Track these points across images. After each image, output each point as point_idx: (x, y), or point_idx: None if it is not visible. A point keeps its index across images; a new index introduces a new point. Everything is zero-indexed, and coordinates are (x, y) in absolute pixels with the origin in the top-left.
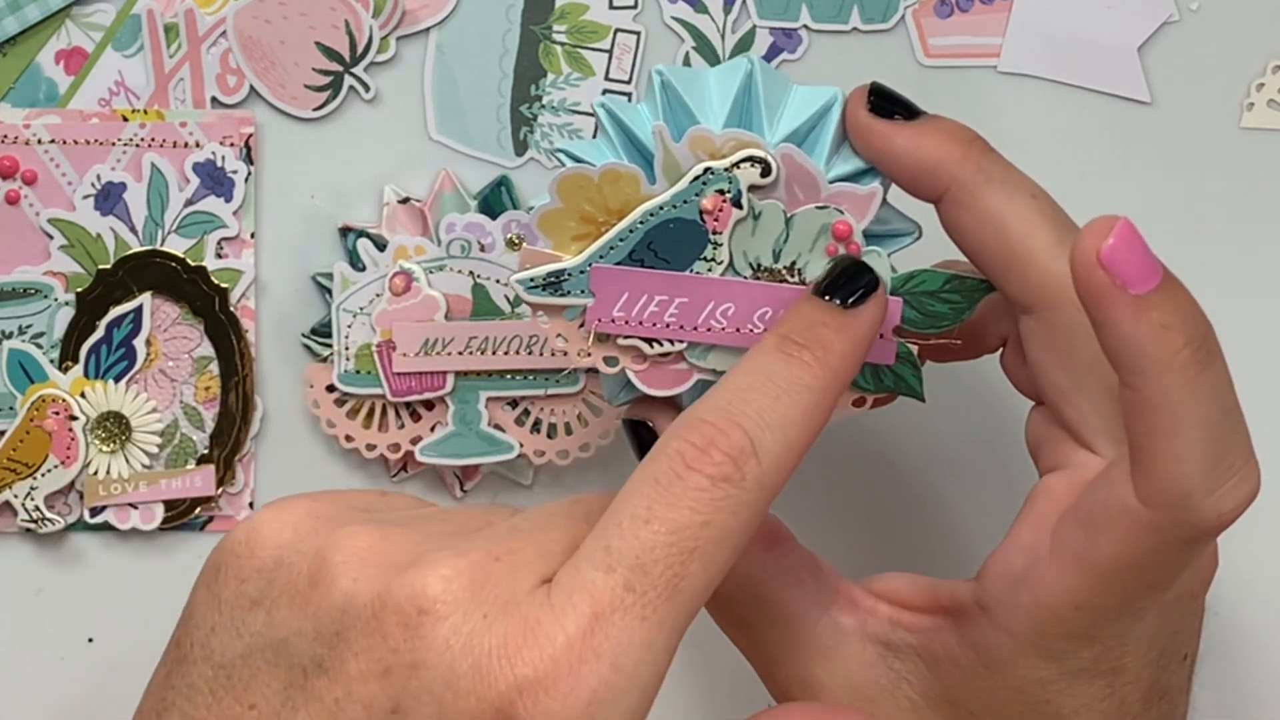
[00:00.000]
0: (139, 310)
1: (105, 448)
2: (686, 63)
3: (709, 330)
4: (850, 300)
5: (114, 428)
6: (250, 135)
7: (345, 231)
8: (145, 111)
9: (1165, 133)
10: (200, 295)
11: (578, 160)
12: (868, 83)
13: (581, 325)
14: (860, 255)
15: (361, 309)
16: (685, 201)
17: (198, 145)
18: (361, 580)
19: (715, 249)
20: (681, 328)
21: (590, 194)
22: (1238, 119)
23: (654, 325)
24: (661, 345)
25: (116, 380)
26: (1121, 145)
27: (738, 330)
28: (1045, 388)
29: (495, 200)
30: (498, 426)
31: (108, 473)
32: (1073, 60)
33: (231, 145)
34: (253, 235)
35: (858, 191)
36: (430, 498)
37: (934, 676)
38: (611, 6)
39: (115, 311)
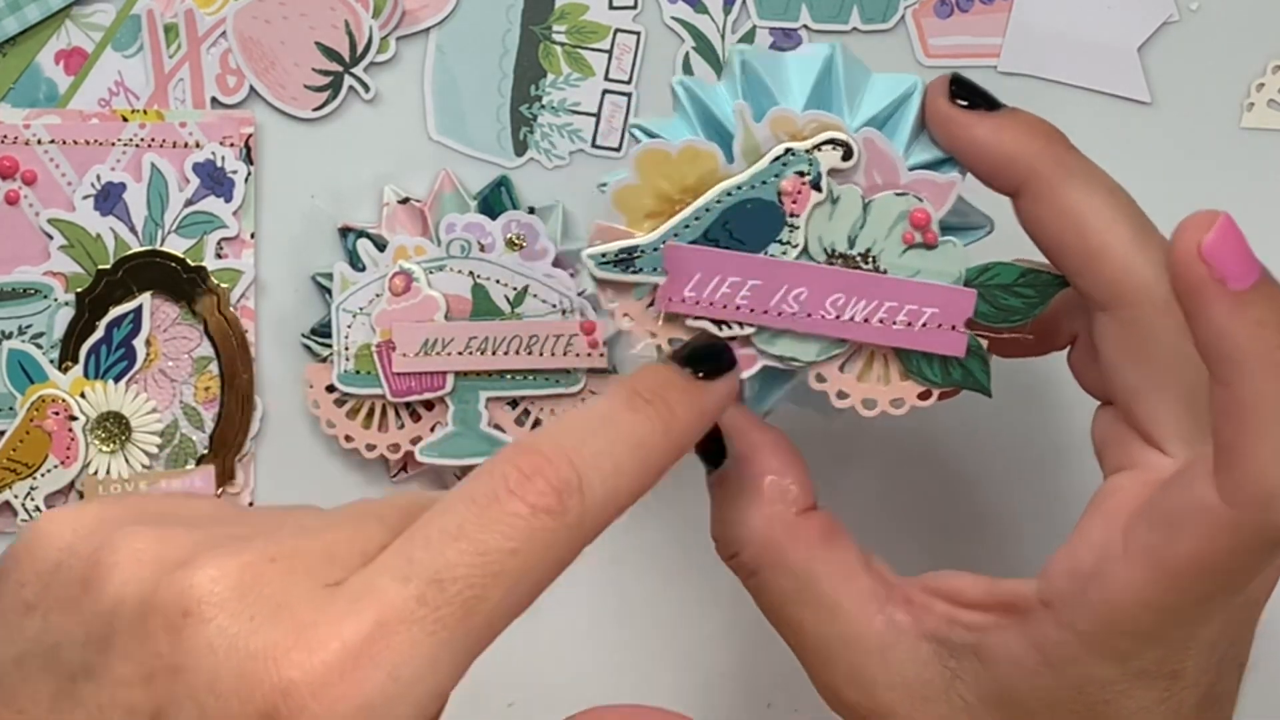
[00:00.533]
0: (139, 310)
1: (105, 448)
2: (686, 64)
3: (780, 315)
4: (704, 374)
5: (114, 428)
6: (250, 135)
7: (345, 231)
8: (145, 112)
9: (1165, 133)
10: (200, 295)
11: (654, 136)
12: (949, 72)
13: (650, 305)
14: (937, 244)
15: (361, 309)
16: (764, 182)
17: (198, 145)
18: (131, 582)
19: (791, 232)
20: (753, 310)
21: (668, 170)
22: (1238, 119)
23: (725, 307)
24: (731, 328)
25: (116, 380)
26: (1121, 145)
27: (809, 315)
28: (1117, 387)
29: (495, 200)
30: (498, 426)
31: (108, 473)
32: (1073, 60)
33: (231, 145)
34: (253, 235)
35: (937, 180)
36: None
37: (990, 676)
38: (611, 6)
39: (115, 311)
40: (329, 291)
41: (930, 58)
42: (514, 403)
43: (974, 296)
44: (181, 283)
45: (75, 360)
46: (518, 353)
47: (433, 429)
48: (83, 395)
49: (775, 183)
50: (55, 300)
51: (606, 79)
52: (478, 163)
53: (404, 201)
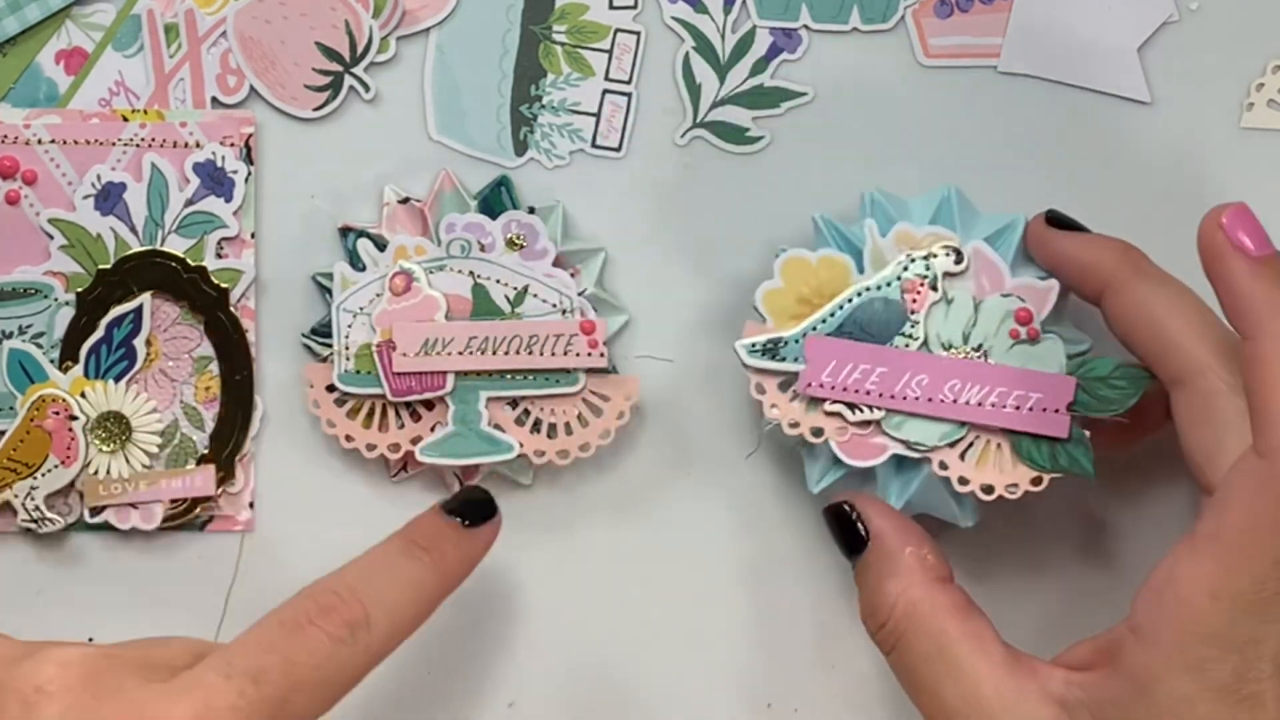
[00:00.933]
0: (139, 310)
1: (105, 448)
2: (686, 64)
3: (905, 399)
4: (473, 523)
5: (114, 428)
6: (250, 135)
7: (345, 231)
8: (145, 111)
9: (1165, 133)
10: (200, 295)
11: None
12: (1045, 211)
13: (794, 397)
14: (1039, 339)
15: (361, 309)
16: (889, 284)
17: (198, 145)
18: None
19: (913, 327)
20: (881, 395)
21: (808, 276)
22: (1238, 119)
23: (857, 391)
24: (862, 412)
25: (117, 380)
26: (1121, 145)
27: (930, 400)
28: (1191, 452)
29: (495, 200)
30: (498, 426)
31: (108, 473)
32: (1073, 60)
33: (232, 145)
34: (253, 235)
35: (1037, 285)
36: (430, 498)
37: None
38: (611, 6)
39: (115, 311)
40: (329, 291)
41: (930, 58)
42: (514, 402)
43: (1074, 383)
44: (182, 283)
45: (76, 360)
46: (518, 352)
47: (433, 429)
48: (83, 395)
49: (899, 284)
50: (56, 300)
51: (607, 79)
52: (478, 163)
53: (404, 201)
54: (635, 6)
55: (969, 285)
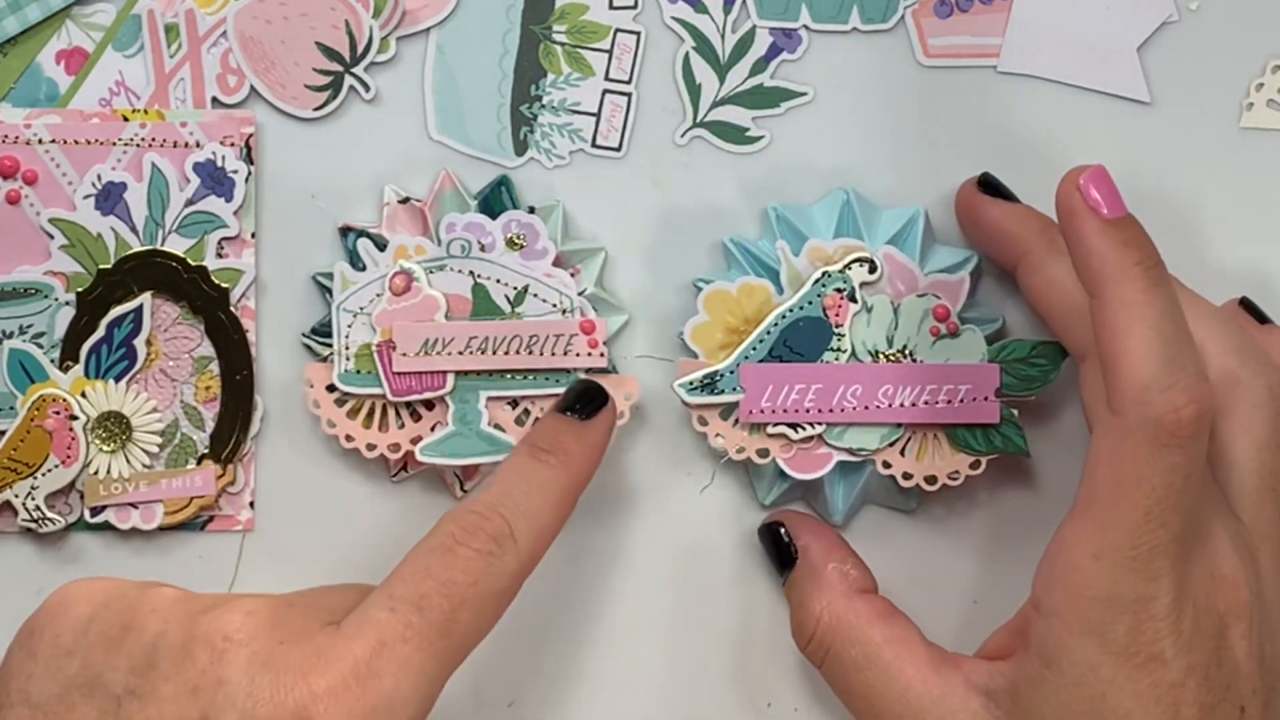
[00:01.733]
0: (139, 310)
1: (106, 447)
2: (686, 64)
3: (843, 410)
4: (587, 414)
5: (114, 427)
6: (250, 135)
7: (345, 231)
8: (146, 111)
9: (1165, 133)
10: (201, 295)
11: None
12: (981, 172)
13: (736, 422)
14: (959, 333)
15: (362, 309)
16: (810, 302)
17: (198, 145)
18: (171, 622)
19: (840, 340)
20: (819, 410)
21: (731, 306)
22: (1237, 119)
23: (797, 411)
24: (805, 429)
25: (117, 380)
26: (1121, 145)
27: (866, 407)
28: (1092, 424)
29: (495, 200)
30: (498, 426)
31: (108, 472)
32: (1073, 60)
33: (232, 145)
34: (253, 235)
35: (950, 280)
36: (430, 498)
37: (1020, 709)
38: (611, 6)
39: (116, 311)
40: (329, 291)
41: (930, 58)
42: (514, 402)
43: (998, 370)
44: (182, 282)
45: (76, 360)
46: (518, 352)
47: (433, 429)
48: (83, 395)
49: (819, 301)
50: (56, 300)
51: (607, 79)
52: (478, 162)
53: (404, 201)
54: (635, 6)
55: (885, 290)
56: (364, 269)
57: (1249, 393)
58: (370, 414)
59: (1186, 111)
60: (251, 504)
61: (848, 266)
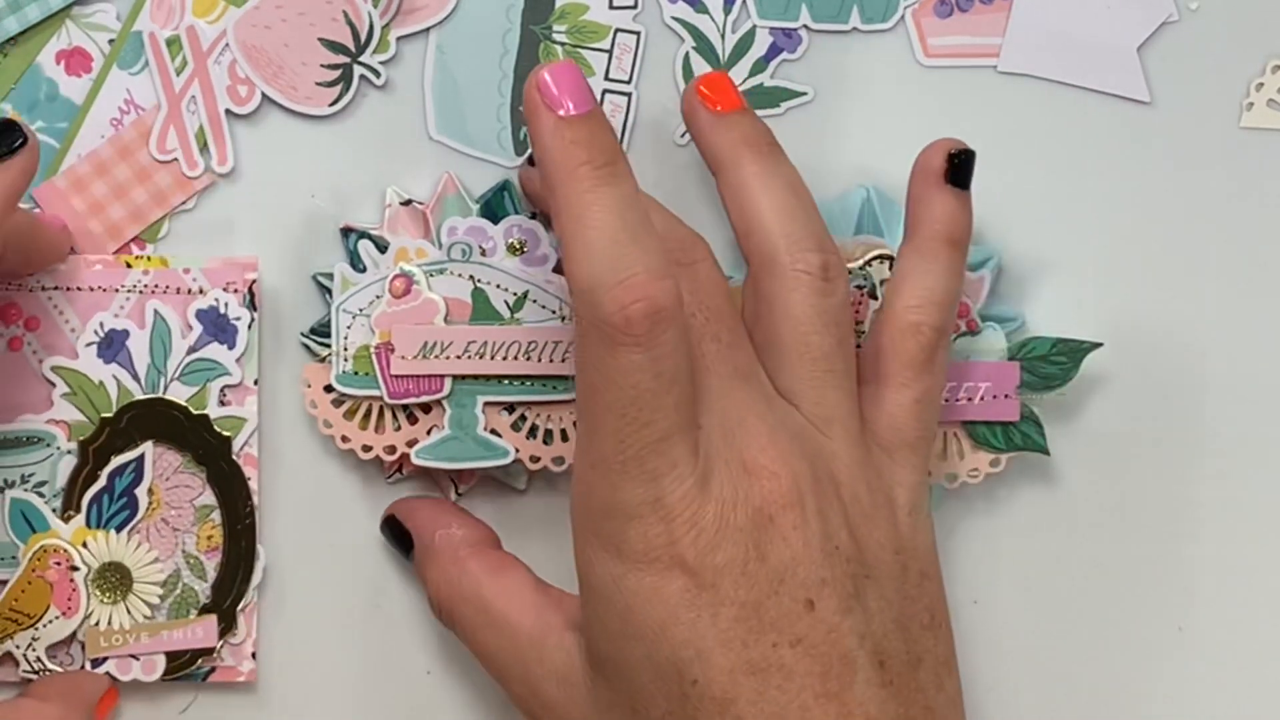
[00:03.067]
0: (141, 459)
1: (106, 598)
2: (686, 64)
3: None
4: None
5: (115, 579)
6: (254, 281)
7: (347, 232)
8: (149, 259)
9: (1165, 133)
10: (203, 444)
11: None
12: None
13: None
14: (979, 330)
15: (361, 310)
16: None
17: (201, 292)
18: None
19: (861, 336)
20: None
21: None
22: (1237, 119)
23: None
24: None
25: (118, 530)
26: (1121, 145)
27: None
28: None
29: (497, 204)
30: (494, 431)
31: (109, 624)
32: (1073, 60)
33: (235, 291)
34: (255, 382)
35: (969, 278)
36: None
37: (586, 641)
38: (611, 6)
39: (117, 460)
40: (329, 291)
41: (930, 58)
42: (511, 408)
43: (1018, 368)
44: (184, 431)
45: (78, 509)
46: (516, 358)
47: (429, 432)
48: (85, 545)
49: None
50: (58, 449)
51: (607, 79)
52: (478, 162)
53: (406, 203)
54: (635, 6)
55: None
56: (364, 270)
57: (785, 276)
58: (367, 415)
59: (1186, 111)
60: (254, 654)
61: (868, 263)
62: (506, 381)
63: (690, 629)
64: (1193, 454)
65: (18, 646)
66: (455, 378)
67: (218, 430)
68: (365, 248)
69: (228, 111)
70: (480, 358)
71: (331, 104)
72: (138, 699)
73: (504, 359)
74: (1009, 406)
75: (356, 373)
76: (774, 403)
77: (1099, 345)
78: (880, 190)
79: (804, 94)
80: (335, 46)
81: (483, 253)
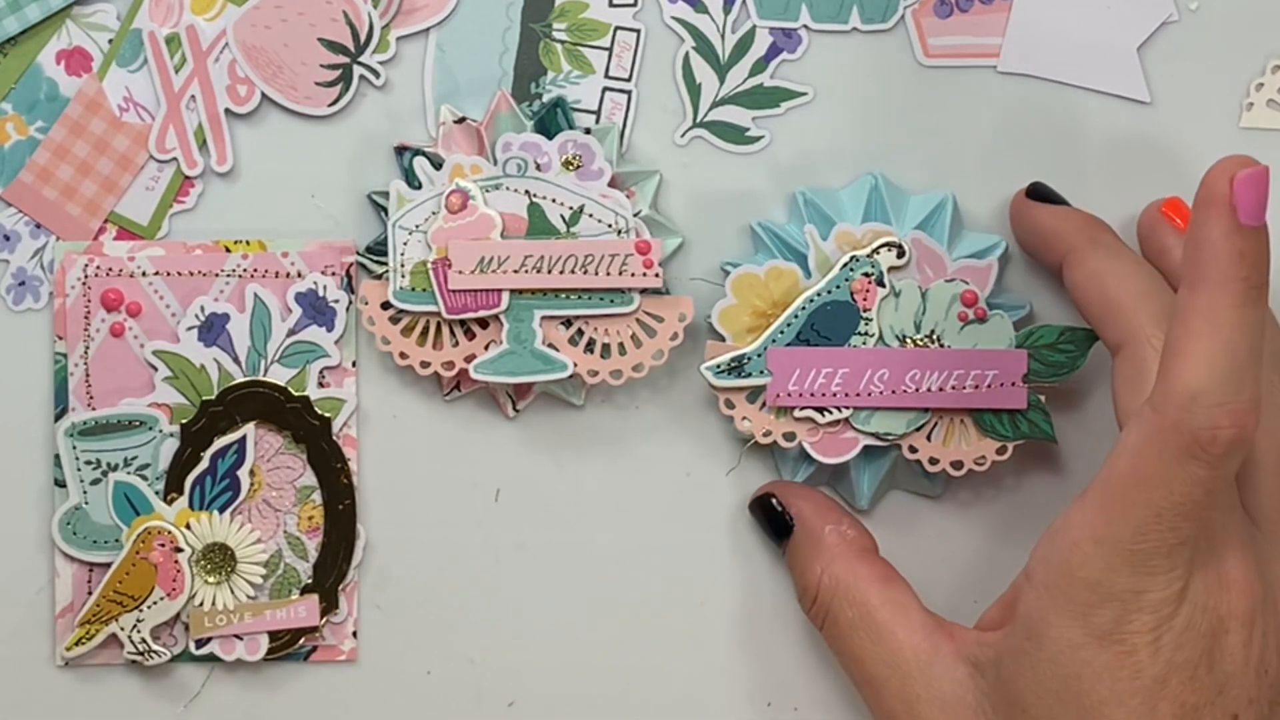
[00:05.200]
0: (243, 441)
1: (210, 579)
2: (686, 64)
3: (870, 395)
4: None
5: (219, 559)
6: (351, 265)
7: (401, 150)
8: (248, 243)
9: (1165, 133)
10: (303, 425)
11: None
12: (1033, 182)
13: (763, 406)
14: (987, 318)
15: (417, 226)
16: (838, 286)
17: (299, 275)
18: None
19: (867, 324)
20: (846, 395)
21: (759, 290)
22: (1237, 119)
23: (824, 395)
24: (831, 413)
25: (221, 511)
26: (1121, 145)
27: (893, 392)
28: (1120, 415)
29: (551, 121)
30: (551, 345)
31: (213, 604)
32: (1073, 60)
33: (333, 274)
34: (354, 364)
35: (977, 265)
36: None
37: (1001, 681)
38: (611, 4)
39: (219, 442)
40: (384, 210)
41: (930, 58)
42: (568, 322)
43: (1025, 356)
44: (285, 413)
45: (180, 491)
46: (573, 272)
47: (487, 347)
48: (188, 527)
49: (847, 285)
50: (160, 432)
51: (607, 76)
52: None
53: (460, 121)
54: (635, 4)
55: (913, 275)
56: (420, 187)
57: (1275, 396)
58: (424, 331)
59: (1186, 111)
60: (355, 633)
61: (876, 251)
62: (564, 295)
63: (1128, 714)
64: None
65: (122, 628)
66: (512, 292)
67: (318, 412)
68: (420, 164)
69: (227, 111)
70: (537, 272)
71: (331, 104)
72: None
73: (560, 273)
74: (1016, 394)
75: (414, 289)
76: (1243, 516)
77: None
78: (888, 178)
79: (804, 94)
80: (335, 46)
81: (538, 168)
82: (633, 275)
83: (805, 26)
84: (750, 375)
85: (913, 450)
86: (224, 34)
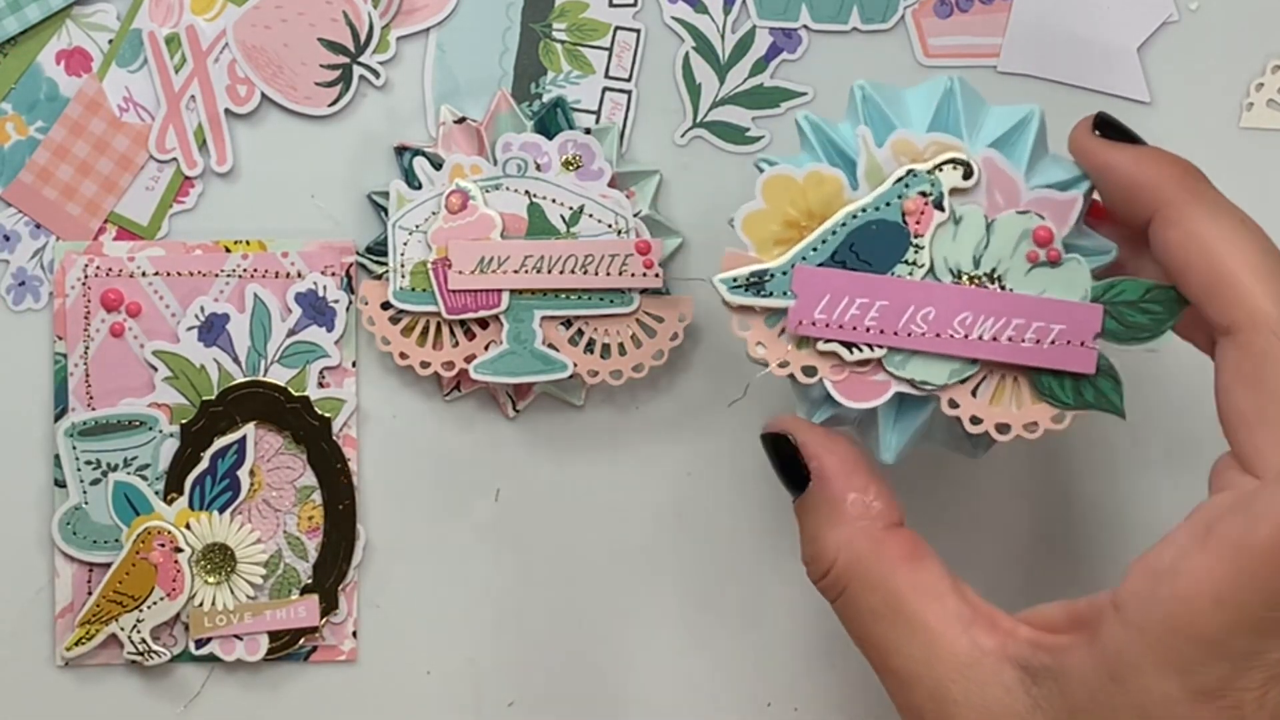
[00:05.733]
0: (243, 441)
1: (210, 579)
2: (686, 64)
3: (909, 335)
4: None
5: (219, 559)
6: (351, 265)
7: (401, 150)
8: (247, 243)
9: (1165, 133)
10: (303, 425)
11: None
12: (1095, 112)
13: (782, 332)
14: (1061, 261)
15: (417, 226)
16: (888, 203)
17: (299, 275)
18: None
19: (917, 252)
20: (882, 332)
21: (794, 196)
22: (1237, 119)
23: (854, 329)
24: (861, 351)
25: (221, 511)
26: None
27: (937, 335)
28: (1226, 412)
29: (551, 121)
30: (551, 345)
31: (213, 604)
32: (1073, 60)
33: (333, 275)
34: (354, 364)
35: (1057, 198)
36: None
37: (1064, 699)
38: (611, 4)
39: (219, 442)
40: (384, 210)
41: (930, 58)
42: (568, 322)
43: (1100, 311)
44: (285, 413)
45: (180, 492)
46: (573, 272)
47: (487, 347)
48: (188, 527)
49: (899, 204)
50: (160, 432)
51: (607, 76)
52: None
53: (460, 121)
54: (635, 4)
55: (980, 201)
56: (420, 187)
57: None
58: (424, 331)
59: (1186, 111)
60: (354, 633)
61: (939, 167)
62: (564, 295)
63: None
64: (1189, 451)
65: (122, 628)
66: (512, 292)
67: (318, 412)
68: (420, 164)
69: (227, 111)
70: (537, 272)
71: (331, 104)
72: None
73: (561, 273)
74: (1084, 356)
75: (414, 289)
76: None
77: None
78: (966, 83)
79: (804, 94)
80: (335, 46)
81: (538, 168)
82: (633, 275)
83: (805, 26)
84: (771, 295)
85: (953, 405)
86: (224, 34)
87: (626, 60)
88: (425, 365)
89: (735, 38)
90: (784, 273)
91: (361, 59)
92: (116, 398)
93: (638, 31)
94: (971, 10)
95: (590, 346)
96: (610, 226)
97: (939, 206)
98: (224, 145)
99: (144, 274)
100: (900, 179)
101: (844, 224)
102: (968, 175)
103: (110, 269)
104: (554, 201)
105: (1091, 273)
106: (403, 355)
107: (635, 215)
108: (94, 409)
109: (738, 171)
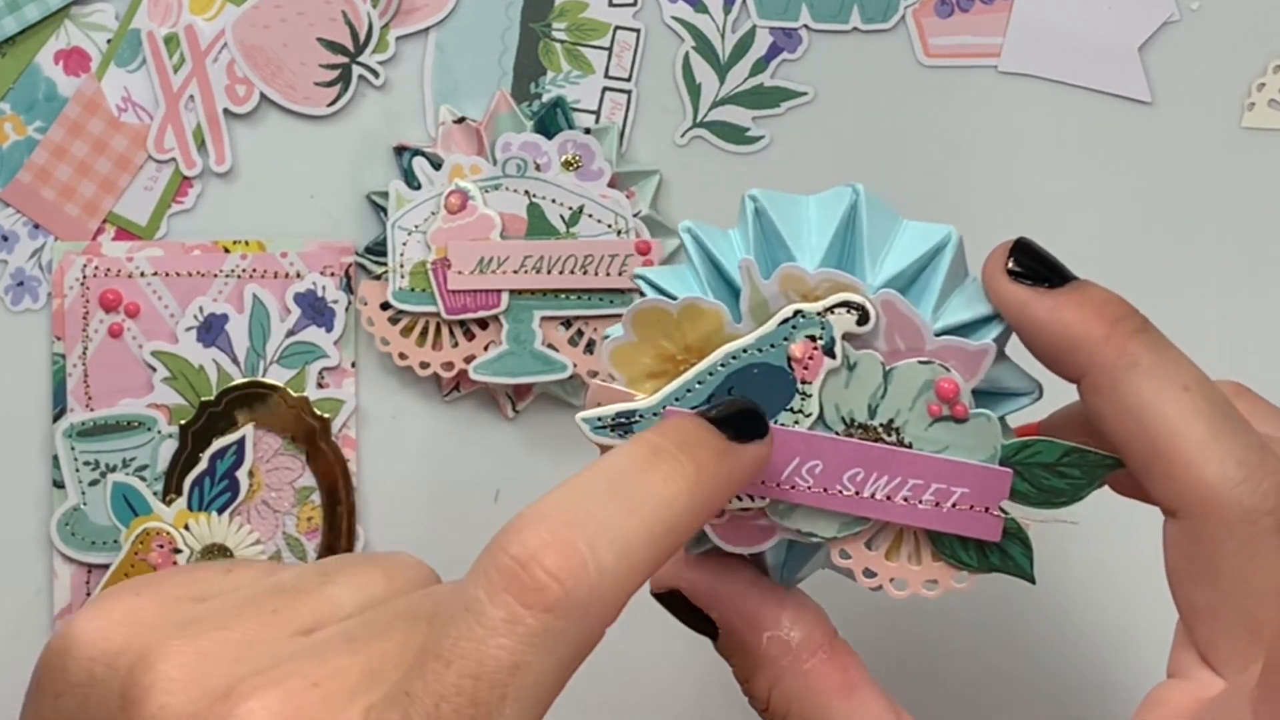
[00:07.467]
0: (242, 442)
1: None
2: (686, 63)
3: (793, 488)
4: (739, 436)
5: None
6: (350, 265)
7: (400, 150)
8: (246, 243)
9: (1165, 133)
10: (302, 426)
11: (658, 289)
12: (1014, 238)
13: None
14: (968, 417)
15: (416, 226)
16: (772, 345)
17: (298, 276)
18: (170, 707)
19: (804, 400)
20: (763, 483)
21: (669, 329)
22: (1238, 119)
23: None
24: (742, 500)
25: (220, 512)
26: (1121, 145)
27: (824, 491)
28: (1179, 599)
29: (550, 121)
30: (551, 346)
31: None
32: (1073, 60)
33: (332, 275)
34: (353, 365)
35: (967, 347)
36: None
37: None
38: (611, 4)
39: (218, 443)
40: (384, 210)
41: (930, 58)
42: (568, 322)
43: (1009, 476)
44: (284, 413)
45: (179, 492)
46: (572, 272)
47: (486, 348)
48: (186, 527)
49: (784, 346)
50: (159, 433)
51: (606, 76)
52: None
53: (459, 121)
54: (635, 4)
55: (879, 346)
56: (419, 187)
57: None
58: (424, 332)
59: (1187, 111)
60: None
61: (831, 310)
62: (563, 295)
63: None
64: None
65: None
66: (512, 292)
67: (317, 412)
68: (419, 165)
69: (226, 111)
70: (537, 272)
71: (330, 104)
72: None
73: (560, 273)
74: (989, 524)
75: (413, 289)
76: None
77: (1120, 464)
78: (872, 196)
79: (804, 94)
80: (334, 46)
81: (537, 168)
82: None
83: (805, 26)
84: None
85: (845, 555)
86: (223, 34)
87: (626, 60)
88: (425, 366)
89: (735, 37)
90: (655, 414)
91: (361, 59)
92: (115, 398)
93: (637, 31)
94: (972, 10)
95: (590, 347)
96: (610, 227)
97: (829, 353)
98: (223, 145)
99: (143, 274)
100: (787, 319)
101: (723, 364)
102: (863, 320)
103: (109, 269)
104: (554, 202)
105: (1005, 422)
106: (402, 356)
107: (635, 215)
108: (93, 410)
109: (738, 171)
